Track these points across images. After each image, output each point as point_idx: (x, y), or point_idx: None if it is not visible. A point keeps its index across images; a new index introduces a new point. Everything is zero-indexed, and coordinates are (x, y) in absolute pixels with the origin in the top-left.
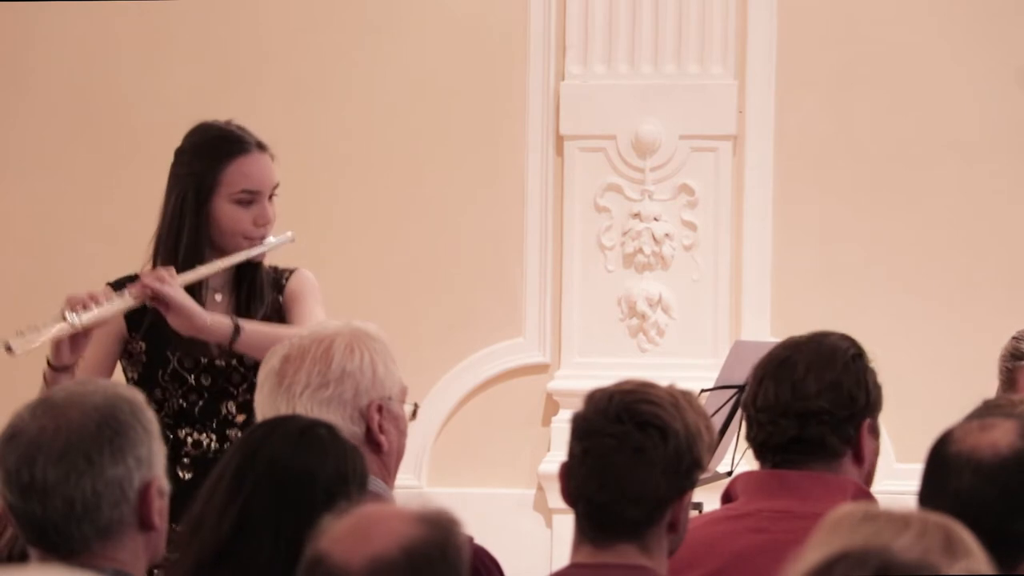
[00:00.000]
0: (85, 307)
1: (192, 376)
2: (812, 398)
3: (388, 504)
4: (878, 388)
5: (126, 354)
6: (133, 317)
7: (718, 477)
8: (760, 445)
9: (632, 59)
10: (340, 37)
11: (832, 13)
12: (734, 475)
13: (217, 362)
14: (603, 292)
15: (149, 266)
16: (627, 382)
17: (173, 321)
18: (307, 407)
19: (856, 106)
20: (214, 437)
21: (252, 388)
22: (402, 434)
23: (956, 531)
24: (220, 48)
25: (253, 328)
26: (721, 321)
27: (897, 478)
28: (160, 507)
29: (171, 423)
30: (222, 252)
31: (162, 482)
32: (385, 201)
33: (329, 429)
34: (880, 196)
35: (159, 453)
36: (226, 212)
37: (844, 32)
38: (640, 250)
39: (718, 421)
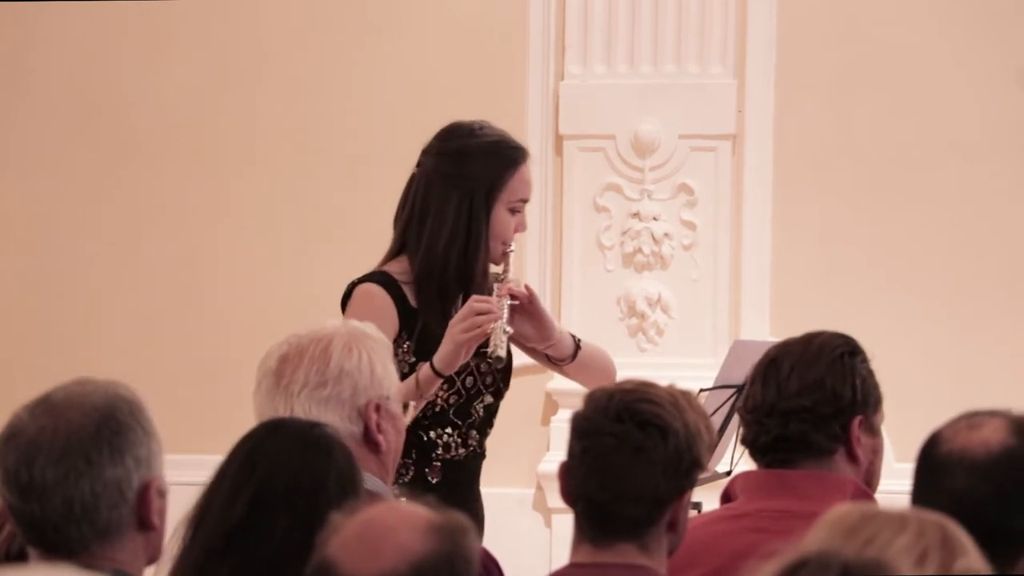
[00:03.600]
0: (492, 312)
1: (459, 379)
2: (793, 396)
3: (398, 508)
4: (870, 386)
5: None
6: (408, 317)
7: (717, 477)
8: (750, 445)
9: (631, 59)
10: (340, 37)
11: (832, 13)
12: (733, 475)
13: (481, 366)
14: (602, 292)
15: (401, 263)
16: (627, 381)
17: (524, 326)
18: (305, 406)
19: (856, 106)
20: (459, 440)
21: (498, 392)
22: (399, 433)
23: (953, 530)
24: (220, 48)
25: (588, 350)
26: (720, 321)
27: (896, 478)
28: (159, 507)
29: (426, 424)
30: None
31: (161, 482)
32: (385, 201)
33: (318, 426)
34: (880, 196)
35: (158, 453)
36: (501, 219)
37: (844, 32)
38: (639, 250)
39: (717, 421)
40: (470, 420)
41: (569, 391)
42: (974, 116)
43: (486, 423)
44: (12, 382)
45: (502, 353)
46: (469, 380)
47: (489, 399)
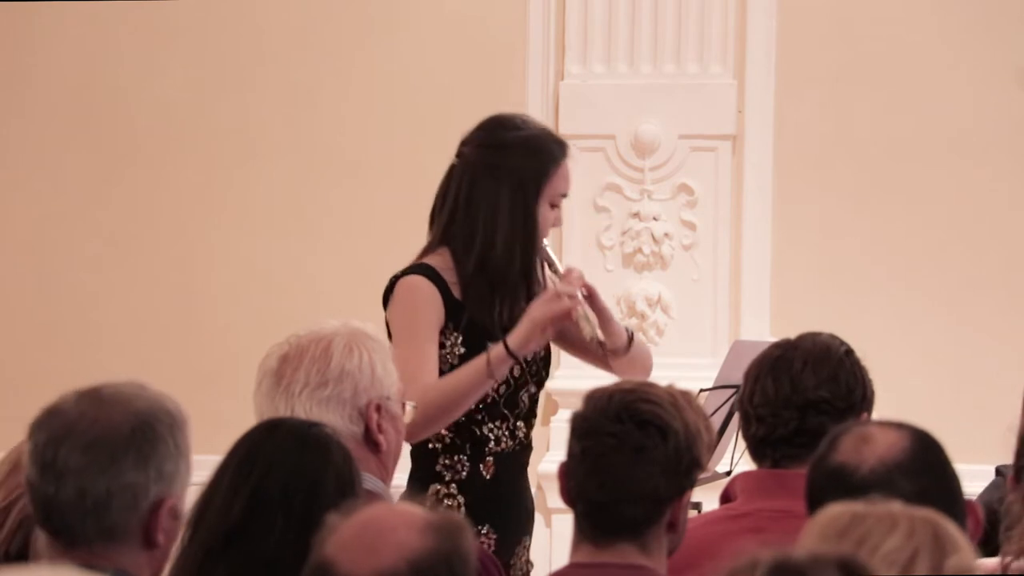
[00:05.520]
0: (572, 296)
1: (511, 368)
2: (812, 389)
3: (396, 507)
4: (871, 384)
5: (439, 344)
6: (454, 310)
7: (717, 477)
8: (760, 441)
9: (631, 59)
10: (340, 37)
11: (831, 12)
12: (733, 475)
13: (528, 356)
14: (602, 291)
15: (443, 256)
16: (626, 381)
17: (591, 319)
18: (306, 406)
19: (856, 105)
20: (508, 433)
21: (540, 381)
22: (399, 434)
23: (944, 528)
24: (220, 48)
25: (638, 344)
26: (720, 321)
27: None
28: (169, 527)
29: (479, 418)
30: None
31: (179, 503)
32: (385, 201)
33: (317, 426)
34: (880, 195)
35: (185, 474)
36: (543, 213)
37: (843, 31)
38: (639, 250)
39: (717, 421)
40: (517, 411)
41: (569, 391)
42: (974, 115)
43: (531, 413)
44: (12, 382)
45: (598, 333)
46: (517, 369)
47: (533, 388)
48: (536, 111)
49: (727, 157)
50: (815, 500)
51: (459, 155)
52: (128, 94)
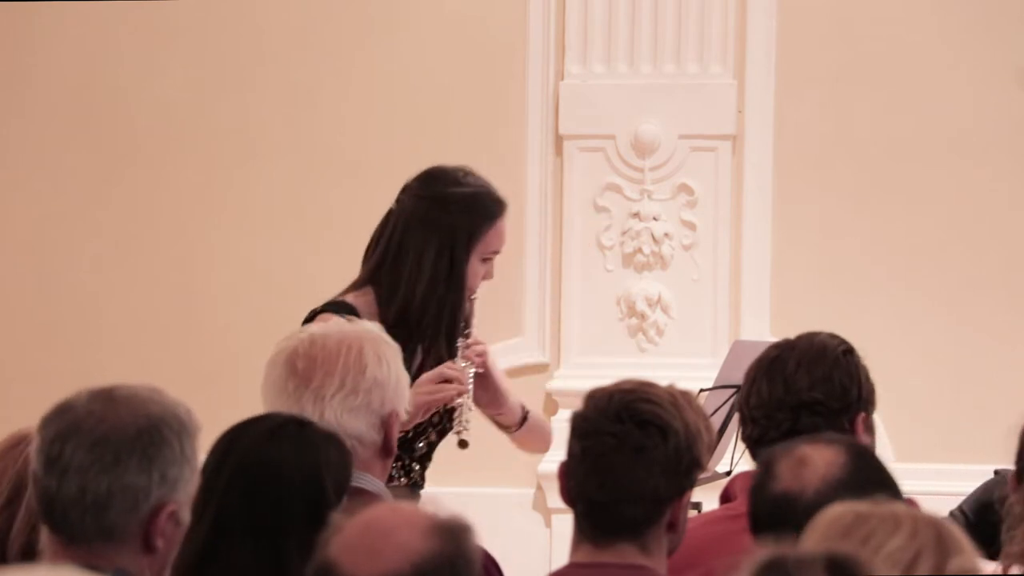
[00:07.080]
0: (461, 382)
1: None
2: (804, 390)
3: (400, 509)
4: (870, 383)
5: None
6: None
7: (717, 477)
8: (755, 442)
9: (631, 59)
10: (340, 37)
11: (831, 12)
12: (733, 475)
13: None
14: (602, 292)
15: (367, 296)
16: (627, 381)
17: (478, 392)
18: (336, 412)
19: (856, 105)
20: (403, 470)
21: (443, 432)
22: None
23: (947, 529)
24: (220, 48)
25: (533, 419)
26: (720, 321)
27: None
28: (170, 533)
29: None
30: None
31: (181, 509)
32: (385, 201)
33: (301, 424)
34: (880, 195)
35: (189, 481)
36: (473, 269)
37: (843, 31)
38: (639, 250)
39: (717, 421)
40: (413, 454)
41: (569, 391)
42: (974, 115)
43: (426, 457)
44: (12, 382)
45: (468, 438)
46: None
47: (434, 437)
48: (536, 111)
49: (727, 157)
50: (763, 529)
51: (398, 201)
52: (128, 94)
